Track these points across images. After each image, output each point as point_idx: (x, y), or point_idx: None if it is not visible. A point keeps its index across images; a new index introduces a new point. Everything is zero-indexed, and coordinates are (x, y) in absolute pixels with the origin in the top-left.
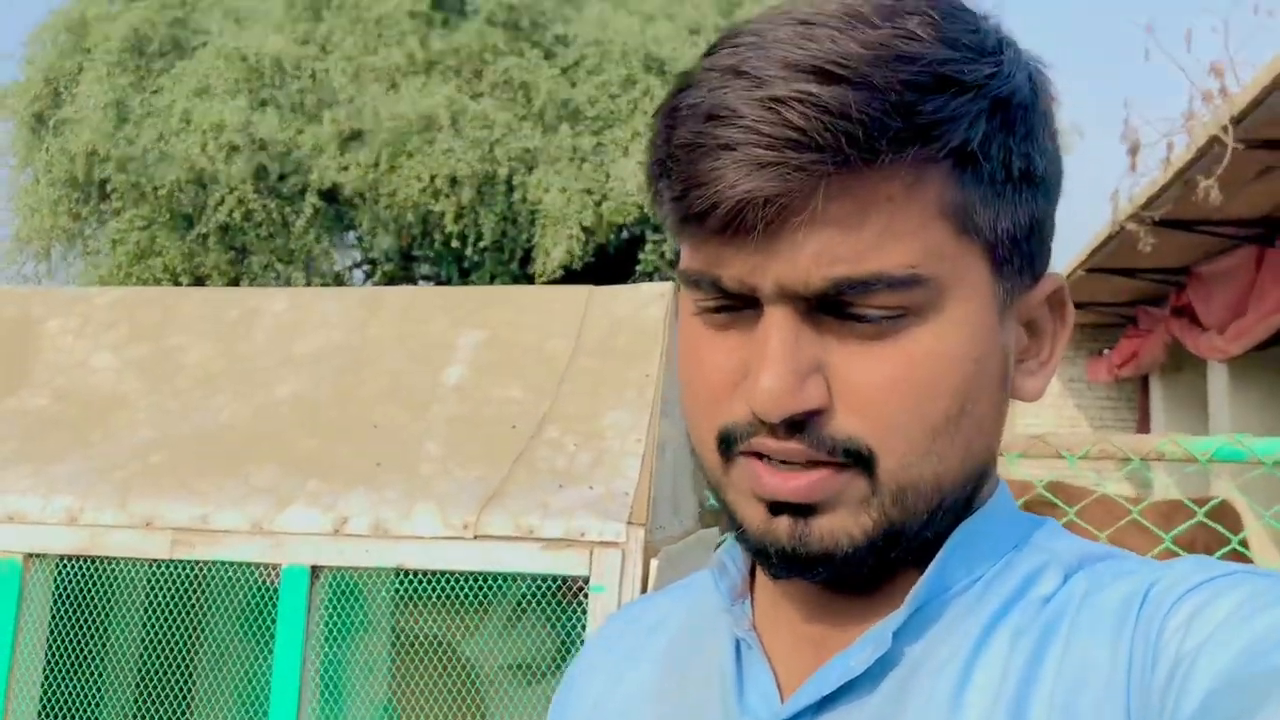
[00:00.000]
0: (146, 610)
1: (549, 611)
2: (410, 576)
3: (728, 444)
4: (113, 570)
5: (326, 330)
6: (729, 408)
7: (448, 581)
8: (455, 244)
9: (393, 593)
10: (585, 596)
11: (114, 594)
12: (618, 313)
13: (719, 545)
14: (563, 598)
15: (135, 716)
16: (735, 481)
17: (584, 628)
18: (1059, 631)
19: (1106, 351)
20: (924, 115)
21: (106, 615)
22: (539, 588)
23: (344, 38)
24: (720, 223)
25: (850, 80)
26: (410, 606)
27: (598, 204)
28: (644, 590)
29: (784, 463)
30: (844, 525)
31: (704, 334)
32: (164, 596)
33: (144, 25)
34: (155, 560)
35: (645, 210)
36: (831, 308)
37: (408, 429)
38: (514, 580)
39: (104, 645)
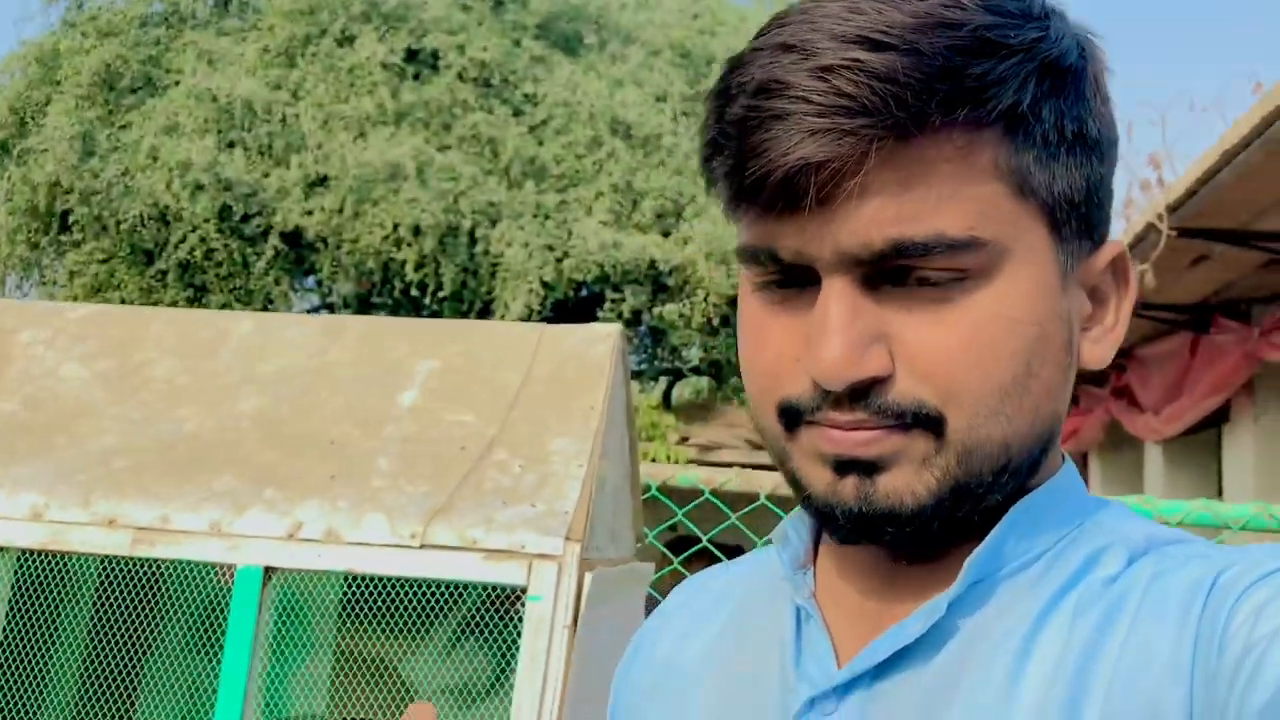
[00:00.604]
0: (100, 608)
1: (488, 629)
2: (359, 581)
3: (790, 416)
4: (72, 566)
5: (290, 352)
6: (791, 382)
7: (394, 588)
8: (415, 293)
9: (340, 597)
10: (523, 605)
11: (71, 590)
12: (567, 349)
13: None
14: (501, 614)
15: (76, 714)
16: (800, 447)
17: (519, 636)
18: (1123, 612)
19: None
20: (971, 78)
21: (61, 611)
22: (480, 601)
23: (316, 85)
24: (774, 192)
25: (897, 47)
26: (356, 613)
27: (559, 260)
28: (578, 602)
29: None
30: (908, 483)
31: (763, 310)
32: (120, 596)
33: (116, 61)
34: (115, 557)
35: (605, 269)
36: (891, 275)
37: (362, 446)
38: (457, 592)
39: (55, 641)
